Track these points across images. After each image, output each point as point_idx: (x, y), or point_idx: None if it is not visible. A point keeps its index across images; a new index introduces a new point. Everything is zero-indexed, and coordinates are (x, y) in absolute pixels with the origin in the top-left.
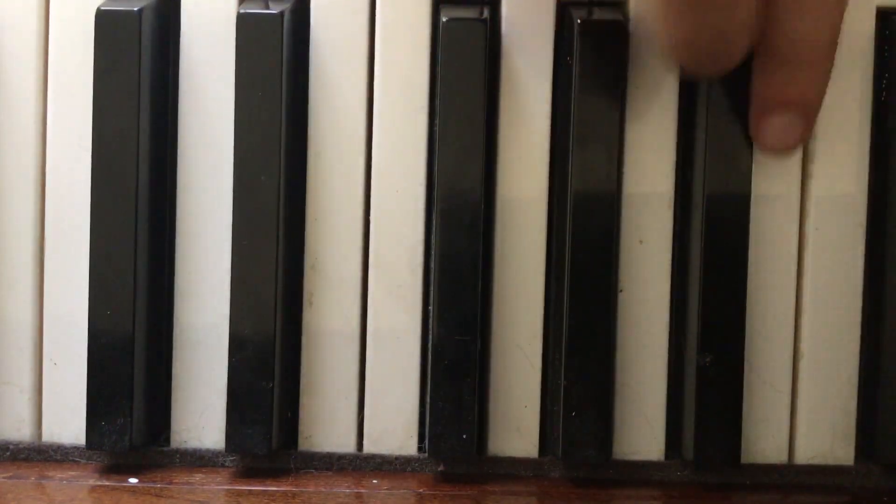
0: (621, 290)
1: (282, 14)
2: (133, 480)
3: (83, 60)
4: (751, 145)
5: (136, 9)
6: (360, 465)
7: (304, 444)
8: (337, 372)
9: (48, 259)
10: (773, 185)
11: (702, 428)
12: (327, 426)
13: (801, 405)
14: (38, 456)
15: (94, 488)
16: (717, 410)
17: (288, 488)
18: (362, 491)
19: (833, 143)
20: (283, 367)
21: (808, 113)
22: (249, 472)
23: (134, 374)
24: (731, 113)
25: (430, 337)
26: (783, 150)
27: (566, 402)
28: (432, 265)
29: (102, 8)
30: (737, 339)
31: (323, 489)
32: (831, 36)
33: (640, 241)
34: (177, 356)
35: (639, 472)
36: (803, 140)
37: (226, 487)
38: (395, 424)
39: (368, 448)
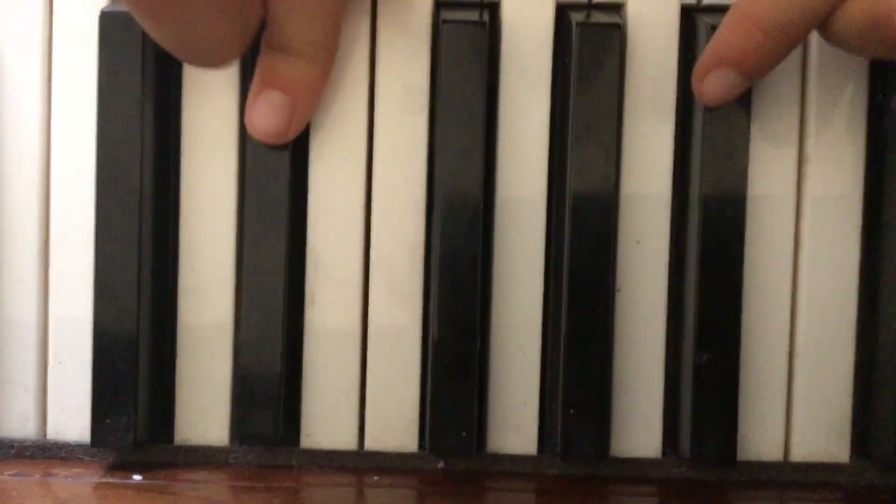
0: (619, 290)
1: None
2: (137, 477)
3: (87, 62)
4: (747, 146)
5: None
6: (361, 462)
7: (306, 442)
8: (338, 370)
9: (53, 258)
10: (769, 185)
11: (698, 425)
12: (329, 424)
13: (797, 403)
14: (42, 453)
15: (98, 485)
16: (713, 408)
17: (290, 484)
18: (363, 487)
19: (829, 143)
20: (285, 366)
21: (290, 101)
22: (253, 468)
23: (138, 372)
24: (728, 114)
25: (431, 336)
26: (269, 139)
27: (565, 400)
28: (432, 265)
29: (106, 10)
30: (733, 337)
31: (324, 486)
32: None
33: (638, 242)
34: (181, 354)
35: (636, 469)
36: (289, 128)
37: (230, 484)
38: (395, 422)
39: (369, 445)
